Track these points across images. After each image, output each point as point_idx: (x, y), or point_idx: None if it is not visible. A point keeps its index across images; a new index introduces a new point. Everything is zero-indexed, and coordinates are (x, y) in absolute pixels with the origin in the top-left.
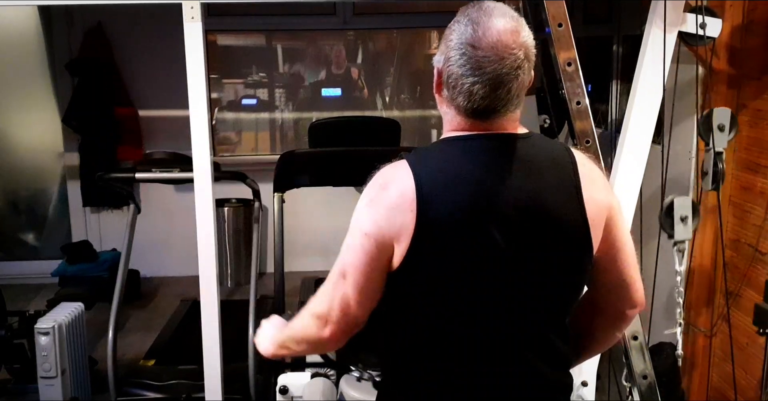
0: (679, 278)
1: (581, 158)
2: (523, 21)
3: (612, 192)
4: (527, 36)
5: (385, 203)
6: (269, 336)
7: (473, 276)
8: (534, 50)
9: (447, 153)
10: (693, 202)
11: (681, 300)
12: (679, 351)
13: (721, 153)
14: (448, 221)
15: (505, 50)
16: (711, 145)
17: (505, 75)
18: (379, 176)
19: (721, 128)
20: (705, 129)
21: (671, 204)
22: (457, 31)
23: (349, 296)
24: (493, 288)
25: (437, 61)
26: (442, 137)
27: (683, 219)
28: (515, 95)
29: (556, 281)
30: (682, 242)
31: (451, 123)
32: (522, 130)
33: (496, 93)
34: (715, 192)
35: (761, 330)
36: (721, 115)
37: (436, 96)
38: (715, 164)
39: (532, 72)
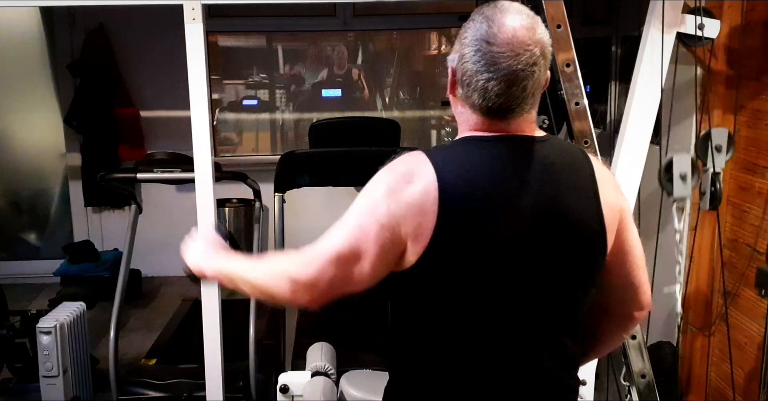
0: (678, 237)
1: (595, 162)
2: (539, 19)
3: (622, 195)
4: (543, 33)
5: (407, 199)
6: (210, 259)
7: (489, 278)
8: (550, 49)
9: (467, 154)
10: (692, 159)
11: (681, 260)
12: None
13: (719, 174)
14: (468, 223)
15: (520, 46)
16: (708, 165)
17: (520, 71)
18: (402, 163)
19: (718, 149)
20: (702, 150)
21: (670, 162)
22: (472, 29)
23: (346, 278)
24: (508, 290)
25: (451, 60)
26: (457, 137)
27: (683, 177)
28: (530, 94)
29: (572, 284)
30: (682, 199)
31: (467, 123)
32: (539, 132)
33: (511, 90)
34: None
35: (762, 292)
36: (719, 135)
37: (450, 97)
38: (713, 184)
39: (548, 72)
